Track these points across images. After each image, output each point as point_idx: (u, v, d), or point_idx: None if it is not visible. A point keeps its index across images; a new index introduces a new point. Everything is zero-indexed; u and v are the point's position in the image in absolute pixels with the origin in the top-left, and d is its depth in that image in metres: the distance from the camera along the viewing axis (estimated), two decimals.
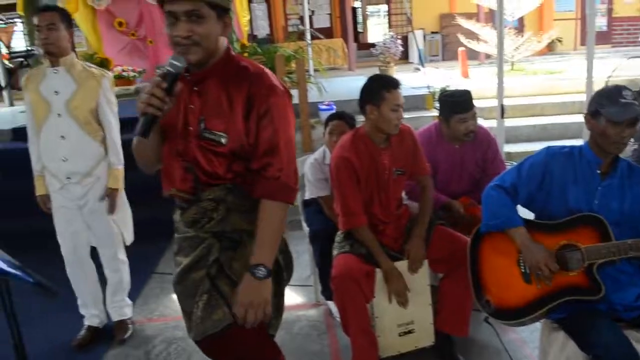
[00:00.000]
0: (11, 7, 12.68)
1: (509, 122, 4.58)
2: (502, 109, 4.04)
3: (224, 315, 1.64)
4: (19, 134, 6.06)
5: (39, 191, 3.00)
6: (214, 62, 1.62)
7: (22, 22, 14.52)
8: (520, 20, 11.81)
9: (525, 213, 2.21)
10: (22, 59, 2.75)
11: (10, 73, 12.49)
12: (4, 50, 12.65)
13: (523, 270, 2.14)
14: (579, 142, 2.25)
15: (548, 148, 2.16)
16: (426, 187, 2.79)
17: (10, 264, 1.78)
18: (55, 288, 1.79)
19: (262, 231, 1.61)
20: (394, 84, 2.55)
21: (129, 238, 3.17)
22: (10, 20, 15.56)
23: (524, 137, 6.16)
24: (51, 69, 2.80)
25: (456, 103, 2.96)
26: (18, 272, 1.75)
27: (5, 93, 10.31)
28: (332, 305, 3.20)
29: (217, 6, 1.54)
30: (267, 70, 1.67)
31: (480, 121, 3.25)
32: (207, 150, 1.61)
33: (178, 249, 1.80)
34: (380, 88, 2.53)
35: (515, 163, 5.10)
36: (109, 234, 3.03)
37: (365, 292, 2.49)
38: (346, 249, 2.60)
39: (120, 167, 2.97)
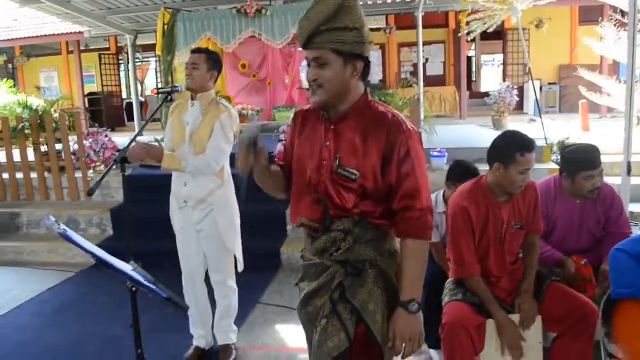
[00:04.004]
0: (147, 48, 14.04)
1: (634, 180, 4.31)
2: (629, 166, 3.84)
3: (339, 342, 1.75)
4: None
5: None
6: (350, 105, 1.74)
7: (156, 62, 16.01)
8: None
9: None
10: (167, 94, 3.03)
11: (142, 106, 13.76)
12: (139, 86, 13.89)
13: None
14: None
15: None
16: (534, 245, 2.72)
17: (146, 279, 1.97)
18: (184, 304, 1.95)
19: (409, 269, 1.72)
20: (529, 148, 2.43)
21: (241, 265, 3.30)
22: (146, 60, 17.13)
23: None
24: (190, 102, 3.08)
25: (584, 160, 2.84)
26: (153, 287, 1.93)
27: (136, 123, 11.31)
28: (434, 353, 3.14)
29: (342, 53, 1.65)
30: (403, 117, 1.76)
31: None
32: (339, 185, 1.72)
33: (303, 276, 1.92)
34: (514, 150, 2.44)
35: None
36: (221, 261, 3.19)
37: (475, 343, 2.43)
38: (458, 297, 2.57)
39: (183, 164, 2.93)
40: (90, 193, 2.28)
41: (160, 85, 15.26)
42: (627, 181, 3.98)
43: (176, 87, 3.02)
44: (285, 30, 8.08)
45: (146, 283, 1.91)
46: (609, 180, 3.11)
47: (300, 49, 1.78)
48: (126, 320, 3.98)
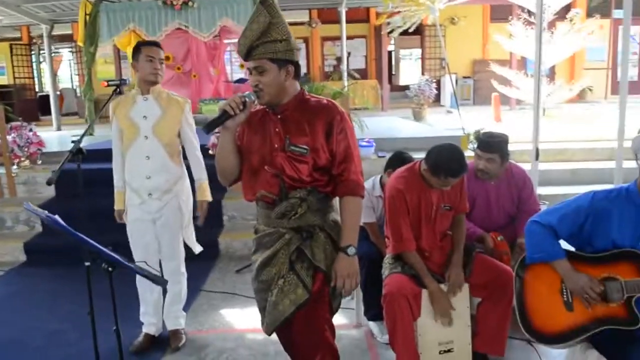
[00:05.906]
0: (60, 38, 13.48)
1: (540, 166, 4.76)
2: (537, 152, 4.24)
3: (296, 297, 2.08)
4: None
5: (117, 205, 3.29)
6: (291, 99, 2.11)
7: (72, 52, 15.37)
8: (552, 68, 12.09)
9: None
10: (116, 86, 3.05)
11: (60, 100, 13.22)
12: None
13: (565, 299, 2.33)
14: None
15: (594, 194, 2.27)
16: (460, 222, 3.02)
17: (126, 260, 2.11)
18: (163, 279, 2.20)
19: (348, 220, 2.12)
20: (456, 175, 2.68)
21: (198, 248, 3.44)
22: (58, 51, 16.39)
23: (555, 181, 6.33)
24: (141, 97, 3.11)
25: (480, 140, 3.29)
26: (132, 266, 2.10)
27: (53, 117, 10.92)
28: (373, 326, 3.40)
29: (276, 60, 2.01)
30: (334, 101, 2.17)
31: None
32: (293, 160, 2.08)
33: (256, 248, 2.24)
34: (442, 171, 2.66)
35: (547, 203, 5.24)
36: (175, 247, 3.28)
37: (413, 310, 2.71)
38: (397, 270, 2.82)
39: (206, 181, 3.29)
40: (49, 182, 2.35)
41: (75, 78, 14.71)
42: (536, 166, 4.41)
43: (124, 79, 3.07)
44: (211, 22, 8.08)
45: (127, 264, 2.06)
46: (519, 165, 3.50)
47: (242, 58, 2.09)
48: (63, 315, 4.00)
